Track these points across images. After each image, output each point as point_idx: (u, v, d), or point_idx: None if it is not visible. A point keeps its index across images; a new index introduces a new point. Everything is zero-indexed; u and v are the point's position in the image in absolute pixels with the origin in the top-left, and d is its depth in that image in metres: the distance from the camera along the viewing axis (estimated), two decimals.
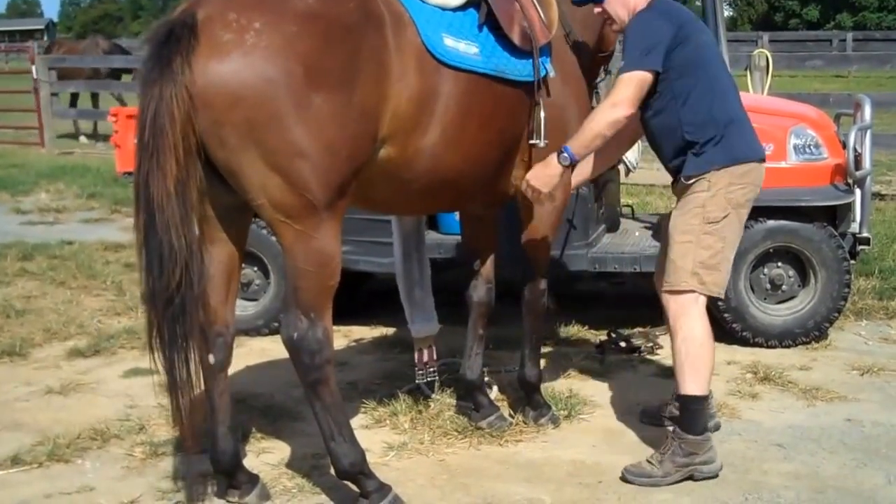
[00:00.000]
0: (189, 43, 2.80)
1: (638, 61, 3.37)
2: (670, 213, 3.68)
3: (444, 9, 3.40)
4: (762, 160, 3.54)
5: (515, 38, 3.51)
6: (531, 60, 3.54)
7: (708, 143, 3.42)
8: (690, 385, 3.46)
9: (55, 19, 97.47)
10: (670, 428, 3.61)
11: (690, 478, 3.45)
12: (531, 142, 3.59)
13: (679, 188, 3.52)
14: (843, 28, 37.95)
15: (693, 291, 3.46)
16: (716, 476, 3.46)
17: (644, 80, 3.37)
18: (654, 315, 5.24)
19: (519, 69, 3.52)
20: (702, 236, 3.42)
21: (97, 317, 5.72)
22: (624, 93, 3.37)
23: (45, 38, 66.77)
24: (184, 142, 2.82)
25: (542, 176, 3.47)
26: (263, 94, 2.80)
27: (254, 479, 3.34)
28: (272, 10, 2.87)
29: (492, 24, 3.50)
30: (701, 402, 3.50)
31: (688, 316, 3.46)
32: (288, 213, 2.93)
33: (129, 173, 5.60)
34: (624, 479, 3.47)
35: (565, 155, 3.41)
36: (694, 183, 3.43)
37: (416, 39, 3.20)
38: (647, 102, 3.48)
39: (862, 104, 5.34)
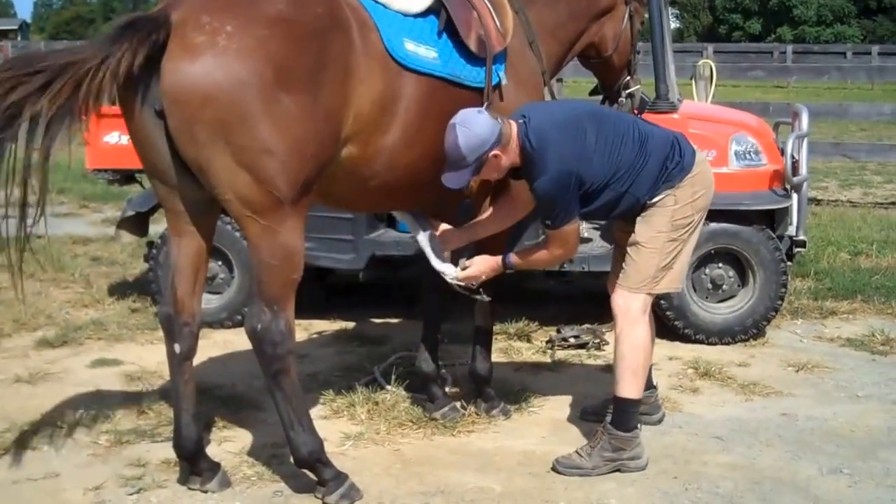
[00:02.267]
0: (148, 34, 2.83)
1: (563, 218, 3.44)
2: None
3: (405, 14, 3.48)
4: (695, 152, 3.61)
5: (472, 44, 3.60)
6: (486, 67, 3.64)
7: (664, 179, 3.50)
8: (629, 389, 3.58)
9: (28, 20, 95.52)
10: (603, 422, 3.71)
11: (618, 471, 3.56)
12: None
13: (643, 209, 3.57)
14: (784, 41, 38.74)
15: (648, 295, 3.58)
16: (642, 470, 3.57)
17: (575, 228, 3.51)
18: (601, 312, 5.38)
19: (473, 75, 3.62)
20: (666, 243, 3.51)
21: (65, 308, 5.75)
22: (563, 249, 3.55)
23: (19, 38, 65.29)
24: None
25: (486, 269, 3.70)
26: (234, 94, 2.86)
27: (215, 467, 3.40)
28: (244, 13, 2.94)
29: (450, 30, 3.58)
30: (636, 404, 3.63)
31: (637, 323, 3.57)
32: (254, 209, 3.00)
33: (99, 170, 5.59)
34: (555, 469, 3.57)
35: (508, 264, 3.66)
36: (660, 200, 3.51)
37: (379, 44, 3.28)
38: (602, 210, 3.58)
39: (800, 113, 5.53)
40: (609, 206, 3.53)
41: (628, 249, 3.58)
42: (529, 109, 3.56)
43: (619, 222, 3.81)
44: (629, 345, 3.57)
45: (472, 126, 3.36)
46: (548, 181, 3.39)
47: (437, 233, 3.79)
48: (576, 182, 3.40)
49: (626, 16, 4.31)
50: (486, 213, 3.81)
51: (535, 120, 3.46)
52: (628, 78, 4.49)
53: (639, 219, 3.56)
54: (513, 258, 3.67)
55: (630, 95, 4.49)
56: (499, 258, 3.68)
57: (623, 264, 3.61)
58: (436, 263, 3.77)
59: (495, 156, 3.42)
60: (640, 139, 3.50)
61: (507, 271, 3.71)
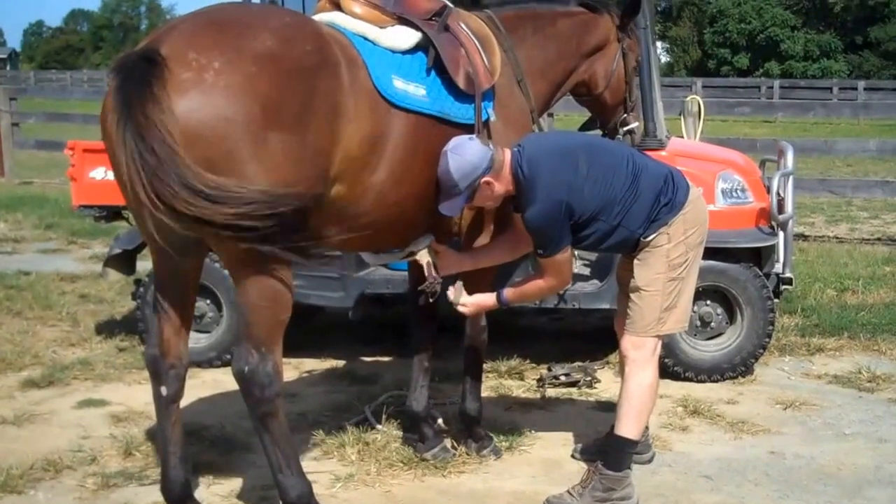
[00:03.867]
0: (160, 71, 2.81)
1: (555, 248, 3.46)
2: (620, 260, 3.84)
3: (394, 51, 3.51)
4: (689, 188, 3.63)
5: (460, 82, 3.63)
6: (474, 104, 3.67)
7: (657, 214, 3.52)
8: (630, 429, 3.59)
9: (18, 49, 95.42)
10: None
11: None
12: None
13: (638, 248, 3.58)
14: (771, 76, 39.16)
15: (656, 338, 3.60)
16: None
17: (568, 257, 3.53)
18: (592, 350, 5.44)
19: (462, 112, 3.64)
20: (666, 283, 3.53)
21: (52, 347, 5.68)
22: (557, 278, 3.56)
23: (8, 67, 65.02)
24: None
25: (482, 306, 3.73)
26: (220, 131, 2.83)
27: None
28: (232, 50, 2.91)
29: (439, 67, 3.61)
30: (634, 445, 3.64)
31: (647, 364, 3.59)
32: (242, 249, 2.95)
33: (85, 206, 5.58)
34: None
35: (502, 301, 3.66)
36: (653, 239, 3.53)
37: (367, 81, 3.29)
38: (593, 243, 3.59)
39: (785, 151, 5.58)
40: (601, 238, 3.55)
41: (631, 295, 3.60)
42: (526, 140, 3.60)
43: (622, 261, 3.83)
44: (636, 385, 3.58)
45: (463, 153, 3.40)
46: (538, 210, 3.41)
47: (438, 254, 3.76)
48: (566, 211, 3.42)
49: (619, 54, 4.34)
50: (493, 241, 3.81)
51: (529, 149, 3.50)
52: (625, 115, 4.48)
53: (636, 262, 3.58)
54: (507, 294, 3.66)
55: (629, 132, 4.48)
56: (493, 295, 3.68)
57: (628, 310, 3.62)
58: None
59: (487, 183, 3.44)
60: (634, 172, 3.52)
61: (502, 307, 3.71)
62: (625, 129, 4.48)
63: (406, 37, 3.59)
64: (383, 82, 3.34)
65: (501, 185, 3.49)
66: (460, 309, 3.73)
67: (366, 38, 3.45)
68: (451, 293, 3.72)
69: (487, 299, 3.71)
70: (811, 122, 22.42)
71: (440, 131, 3.53)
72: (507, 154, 3.50)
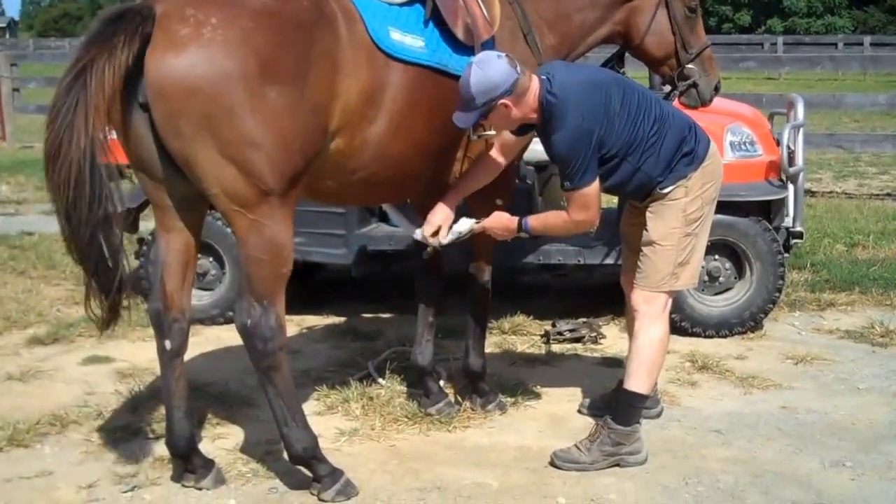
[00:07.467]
0: (138, 26, 2.83)
1: (581, 178, 3.34)
2: (622, 212, 3.74)
3: (390, 4, 3.45)
4: (709, 142, 3.57)
5: (459, 33, 3.56)
6: (473, 55, 3.56)
7: (677, 164, 3.47)
8: (640, 384, 3.55)
9: (16, 18, 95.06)
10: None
11: (617, 465, 3.53)
12: (472, 137, 3.59)
13: (651, 198, 3.53)
14: (774, 33, 38.69)
15: (668, 293, 3.55)
16: (642, 465, 3.53)
17: (596, 191, 3.40)
18: (596, 306, 5.41)
19: (461, 64, 3.54)
20: (682, 238, 3.48)
21: (56, 306, 5.72)
22: (583, 213, 3.40)
23: (8, 35, 65.07)
24: (101, 114, 2.86)
25: (500, 229, 3.59)
26: (219, 86, 2.84)
27: (209, 464, 3.37)
28: (228, 5, 2.93)
29: (436, 19, 3.54)
30: (643, 400, 3.61)
31: (658, 319, 3.54)
32: (241, 203, 2.97)
33: None
34: (552, 463, 3.54)
35: (524, 228, 3.52)
36: (670, 192, 3.47)
37: (364, 35, 3.26)
38: (611, 184, 3.50)
39: (795, 103, 5.51)
40: (621, 181, 3.48)
41: (644, 249, 3.54)
42: (555, 68, 3.50)
43: (627, 216, 3.77)
44: (647, 341, 3.54)
45: (487, 69, 3.30)
46: (567, 135, 3.32)
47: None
48: (595, 142, 3.33)
49: (660, 2, 3.99)
50: (472, 165, 3.70)
51: (560, 77, 3.40)
52: (681, 68, 4.05)
53: (649, 215, 3.52)
54: (531, 221, 3.53)
55: (692, 86, 4.06)
56: (515, 219, 3.55)
57: (639, 264, 3.56)
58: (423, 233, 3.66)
59: (505, 105, 3.34)
60: (661, 117, 3.46)
61: (522, 235, 3.58)
62: (684, 83, 4.08)
63: None
64: (380, 34, 3.31)
65: (519, 111, 3.38)
66: (478, 226, 3.59)
67: None
68: (458, 226, 3.62)
69: (507, 221, 3.57)
70: (816, 77, 22.22)
71: (439, 83, 3.48)
72: (535, 82, 3.38)
